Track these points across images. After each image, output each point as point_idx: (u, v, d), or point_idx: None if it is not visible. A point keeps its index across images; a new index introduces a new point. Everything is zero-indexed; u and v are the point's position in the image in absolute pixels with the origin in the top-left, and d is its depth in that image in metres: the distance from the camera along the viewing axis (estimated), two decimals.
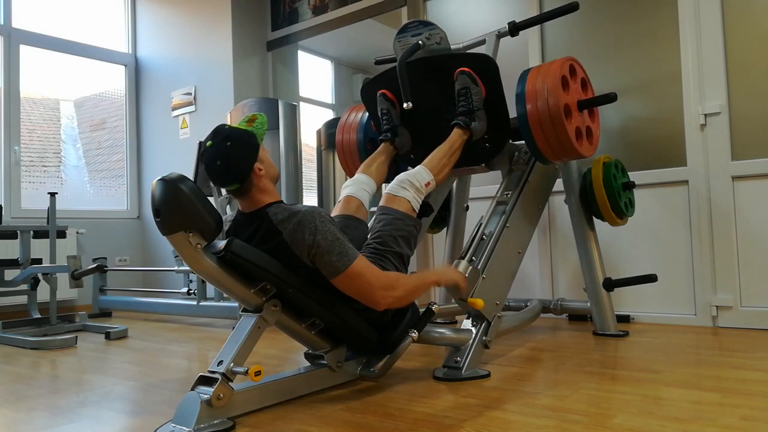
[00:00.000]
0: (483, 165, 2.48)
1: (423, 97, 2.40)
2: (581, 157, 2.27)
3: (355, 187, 2.19)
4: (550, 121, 2.14)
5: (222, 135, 1.65)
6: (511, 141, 2.51)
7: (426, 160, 2.15)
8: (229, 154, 1.63)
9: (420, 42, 2.35)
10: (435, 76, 2.37)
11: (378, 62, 2.87)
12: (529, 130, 2.19)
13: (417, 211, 2.04)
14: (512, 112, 2.27)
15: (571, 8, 2.43)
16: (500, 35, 2.59)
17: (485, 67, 2.26)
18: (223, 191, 3.53)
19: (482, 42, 2.62)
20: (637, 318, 2.97)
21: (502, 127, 2.33)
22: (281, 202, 1.73)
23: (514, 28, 2.55)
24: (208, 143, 1.65)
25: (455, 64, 2.29)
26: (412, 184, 2.03)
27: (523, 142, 2.31)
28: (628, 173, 2.76)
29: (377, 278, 1.66)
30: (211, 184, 3.47)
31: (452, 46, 2.53)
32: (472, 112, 2.24)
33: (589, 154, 2.32)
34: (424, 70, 2.38)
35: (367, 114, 2.72)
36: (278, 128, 3.87)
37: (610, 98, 2.25)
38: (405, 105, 2.30)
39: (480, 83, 2.26)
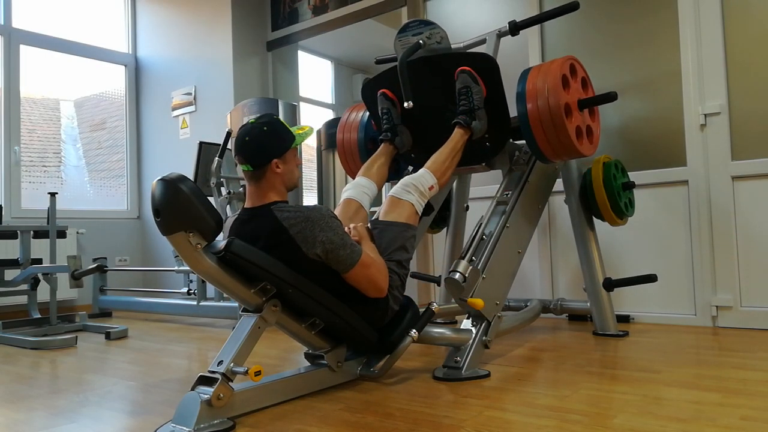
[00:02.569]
0: (483, 164, 2.48)
1: (424, 97, 2.40)
2: (581, 156, 2.27)
3: (355, 190, 2.21)
4: (551, 120, 2.14)
5: (265, 119, 1.75)
6: (511, 140, 2.51)
7: (429, 162, 2.16)
8: (259, 137, 1.71)
9: (421, 41, 2.35)
10: (436, 75, 2.36)
11: (378, 61, 2.87)
12: (529, 129, 2.19)
13: (420, 213, 2.07)
14: (513, 111, 2.27)
15: (572, 8, 2.43)
16: (501, 35, 2.59)
17: (486, 67, 2.26)
18: (224, 191, 3.53)
19: (483, 41, 2.62)
20: (637, 318, 2.97)
21: (502, 126, 2.33)
22: (286, 202, 1.75)
23: (515, 28, 2.55)
24: (251, 120, 1.75)
25: (456, 63, 2.28)
26: (417, 188, 2.06)
27: (524, 141, 2.31)
28: (628, 173, 2.76)
29: (382, 265, 1.79)
30: (212, 184, 3.48)
31: (453, 46, 2.53)
32: (473, 111, 2.24)
33: (590, 153, 2.32)
34: (425, 70, 2.38)
35: (367, 113, 2.72)
36: None
37: (610, 97, 2.25)
38: (406, 104, 2.30)
39: (481, 82, 2.25)
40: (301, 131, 1.80)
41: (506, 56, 3.14)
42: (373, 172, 2.31)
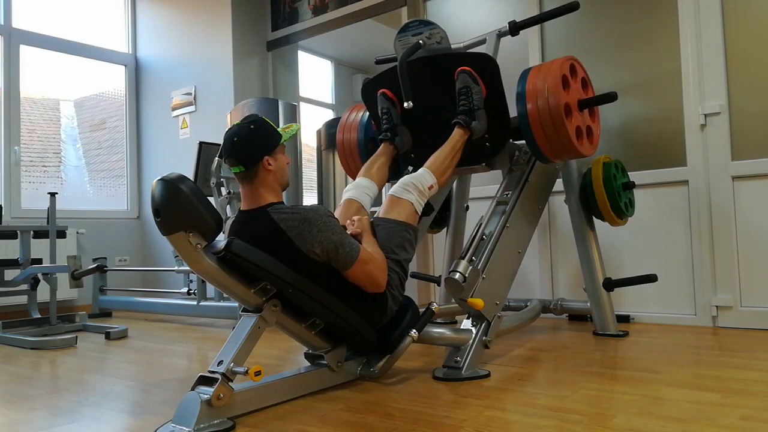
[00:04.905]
0: (484, 164, 2.48)
1: (424, 97, 2.40)
2: (581, 156, 2.27)
3: (356, 191, 2.21)
4: (551, 120, 2.14)
5: (251, 119, 1.76)
6: (511, 140, 2.51)
7: (428, 162, 2.16)
8: (247, 136, 1.71)
9: (421, 41, 2.35)
10: (436, 75, 2.37)
11: (378, 62, 2.87)
12: (529, 129, 2.19)
13: (419, 213, 2.07)
14: (513, 111, 2.28)
15: (572, 8, 2.44)
16: (501, 35, 2.59)
17: (486, 67, 2.26)
18: (223, 191, 3.53)
19: (483, 41, 2.62)
20: (637, 318, 2.97)
21: (502, 127, 2.33)
22: (282, 203, 1.74)
23: (515, 28, 2.55)
24: (237, 122, 1.75)
25: (456, 64, 2.29)
26: (416, 187, 2.06)
27: (524, 141, 2.31)
28: (628, 173, 2.76)
29: (381, 261, 1.80)
30: (212, 184, 3.48)
31: (453, 46, 2.53)
32: (473, 111, 2.24)
33: (590, 153, 2.32)
34: (425, 70, 2.38)
35: (367, 113, 2.72)
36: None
37: (610, 97, 2.26)
38: (405, 104, 2.31)
39: (480, 82, 2.26)
40: (287, 128, 1.82)
41: (506, 56, 3.14)
42: (373, 173, 2.32)
